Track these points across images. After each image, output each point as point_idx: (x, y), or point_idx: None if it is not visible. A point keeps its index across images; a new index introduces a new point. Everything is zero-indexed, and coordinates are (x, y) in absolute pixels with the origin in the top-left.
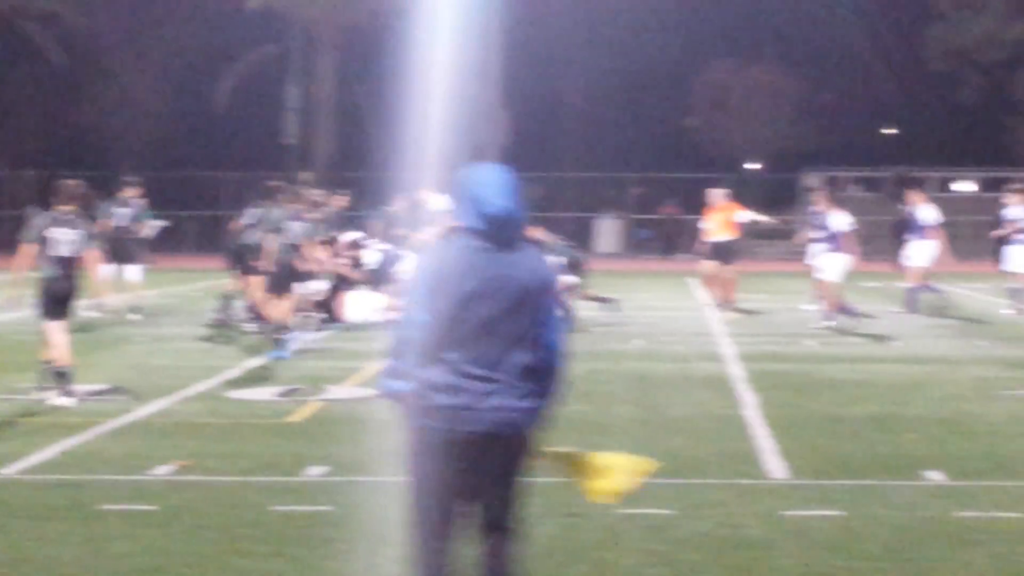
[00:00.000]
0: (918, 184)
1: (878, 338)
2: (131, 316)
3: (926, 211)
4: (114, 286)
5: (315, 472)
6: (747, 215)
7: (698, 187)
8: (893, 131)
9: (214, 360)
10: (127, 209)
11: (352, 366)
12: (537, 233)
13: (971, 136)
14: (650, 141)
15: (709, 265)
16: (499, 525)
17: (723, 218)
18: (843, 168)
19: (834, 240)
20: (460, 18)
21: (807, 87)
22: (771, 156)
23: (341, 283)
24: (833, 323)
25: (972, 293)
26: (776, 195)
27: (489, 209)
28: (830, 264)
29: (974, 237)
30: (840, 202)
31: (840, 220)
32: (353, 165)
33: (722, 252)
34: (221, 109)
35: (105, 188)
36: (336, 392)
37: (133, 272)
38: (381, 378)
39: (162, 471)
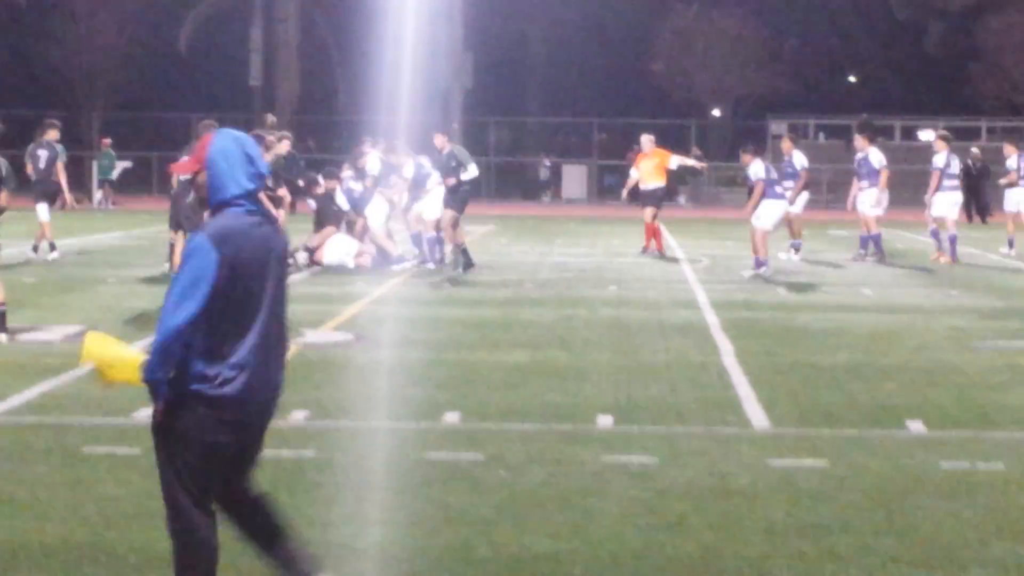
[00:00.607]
0: (869, 129)
1: (851, 286)
2: (51, 256)
3: (876, 155)
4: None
5: (297, 417)
6: (677, 160)
7: (664, 133)
8: (858, 79)
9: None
10: (44, 151)
11: (328, 310)
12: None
13: (936, 84)
14: (615, 86)
15: (649, 211)
16: (253, 487)
17: (653, 164)
18: (808, 115)
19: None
20: None
21: (772, 33)
22: (736, 102)
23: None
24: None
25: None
26: (741, 142)
27: (261, 167)
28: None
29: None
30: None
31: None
32: (318, 108)
33: (652, 198)
34: (185, 50)
35: (72, 127)
36: (313, 336)
37: (42, 211)
38: (155, 364)
39: (143, 414)
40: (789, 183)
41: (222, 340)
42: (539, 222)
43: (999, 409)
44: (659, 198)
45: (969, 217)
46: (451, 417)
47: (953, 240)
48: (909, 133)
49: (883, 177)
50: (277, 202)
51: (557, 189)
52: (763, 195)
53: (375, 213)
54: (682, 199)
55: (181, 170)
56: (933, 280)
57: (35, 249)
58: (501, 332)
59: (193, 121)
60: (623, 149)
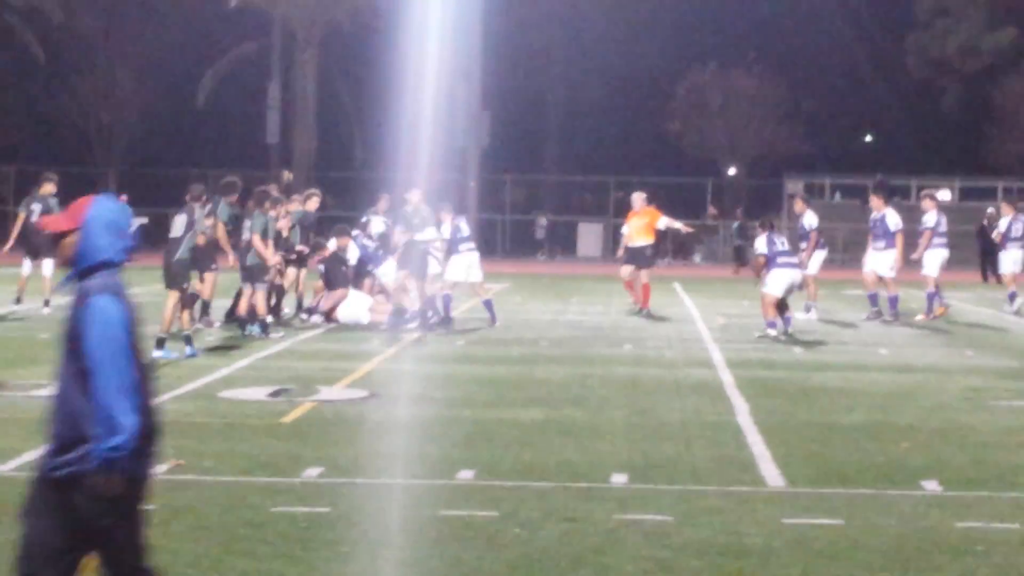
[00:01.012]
0: (884, 190)
1: (866, 346)
2: (44, 310)
3: (892, 217)
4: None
5: (312, 473)
6: (666, 221)
7: (680, 191)
8: (874, 138)
9: (204, 359)
10: (38, 205)
11: (343, 367)
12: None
13: (951, 145)
14: (632, 145)
15: (627, 269)
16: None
17: (643, 223)
18: (824, 175)
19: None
20: (442, 18)
21: (789, 93)
22: (752, 161)
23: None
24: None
25: (956, 303)
26: (757, 200)
27: (130, 240)
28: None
29: (954, 246)
30: (818, 208)
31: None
32: (335, 165)
33: (639, 257)
34: (203, 106)
35: (88, 183)
36: (327, 393)
37: (46, 266)
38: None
39: (158, 470)
40: (803, 244)
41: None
42: (554, 280)
43: (1015, 469)
44: (647, 257)
45: (984, 277)
46: (466, 474)
47: (930, 297)
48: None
49: (899, 240)
50: (302, 259)
51: (555, 248)
52: (768, 266)
53: (388, 271)
54: (698, 257)
55: (51, 227)
56: (948, 340)
57: (17, 300)
58: (516, 390)
59: (210, 177)
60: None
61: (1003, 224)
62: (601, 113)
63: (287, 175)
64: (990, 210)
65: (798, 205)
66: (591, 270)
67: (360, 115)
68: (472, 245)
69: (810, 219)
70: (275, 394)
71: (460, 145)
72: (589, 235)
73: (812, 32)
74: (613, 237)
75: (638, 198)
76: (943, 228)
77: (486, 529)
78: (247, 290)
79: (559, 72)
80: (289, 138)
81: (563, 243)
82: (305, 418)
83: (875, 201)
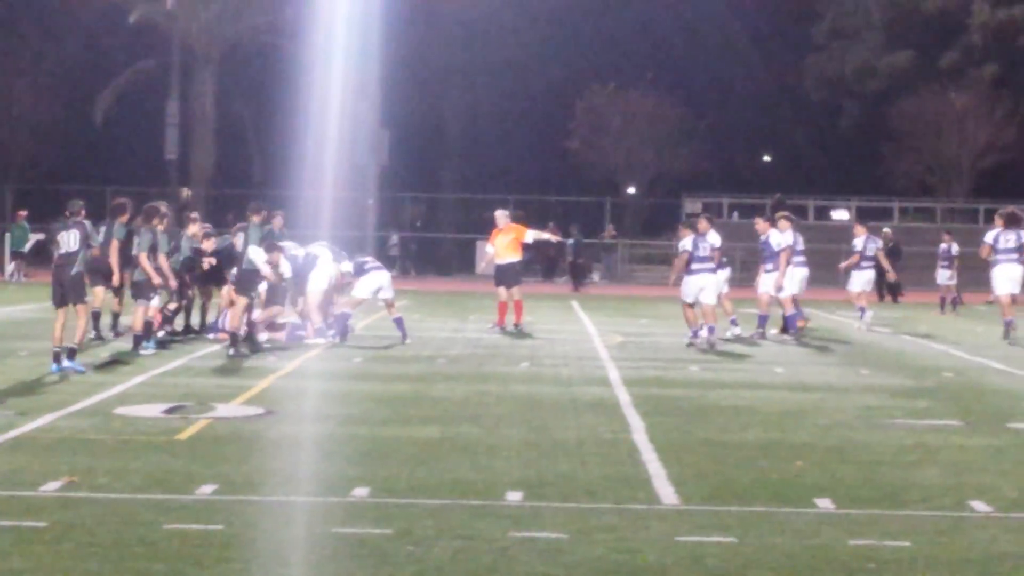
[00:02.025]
0: (775, 211)
1: (763, 364)
2: None
3: (776, 237)
4: None
5: (206, 490)
6: (533, 234)
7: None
8: (773, 158)
9: (99, 376)
10: None
11: (239, 384)
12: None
13: (848, 165)
14: (531, 164)
15: (501, 290)
16: None
17: (508, 240)
18: (723, 194)
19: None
20: (342, 37)
21: (687, 113)
22: (651, 180)
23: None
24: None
25: (852, 321)
26: (655, 220)
27: None
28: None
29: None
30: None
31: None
32: (233, 182)
33: (508, 274)
34: (101, 123)
35: None
36: (223, 410)
37: None
38: None
39: (51, 487)
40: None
41: None
42: (454, 297)
43: (907, 487)
44: (516, 273)
45: (880, 296)
46: (360, 492)
47: (863, 310)
48: (823, 212)
49: (782, 259)
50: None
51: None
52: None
53: (315, 281)
54: (596, 276)
55: None
56: (844, 359)
57: None
58: (413, 407)
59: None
60: (538, 227)
61: (858, 243)
62: (500, 132)
63: (186, 192)
64: (886, 230)
65: (702, 224)
66: (490, 288)
67: (259, 133)
68: (380, 264)
69: (713, 238)
70: (170, 411)
71: (360, 164)
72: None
73: (711, 52)
74: None
75: (501, 216)
76: (870, 252)
77: (380, 547)
78: (139, 307)
79: (458, 91)
80: (188, 155)
81: (462, 261)
82: (200, 435)
83: (760, 224)
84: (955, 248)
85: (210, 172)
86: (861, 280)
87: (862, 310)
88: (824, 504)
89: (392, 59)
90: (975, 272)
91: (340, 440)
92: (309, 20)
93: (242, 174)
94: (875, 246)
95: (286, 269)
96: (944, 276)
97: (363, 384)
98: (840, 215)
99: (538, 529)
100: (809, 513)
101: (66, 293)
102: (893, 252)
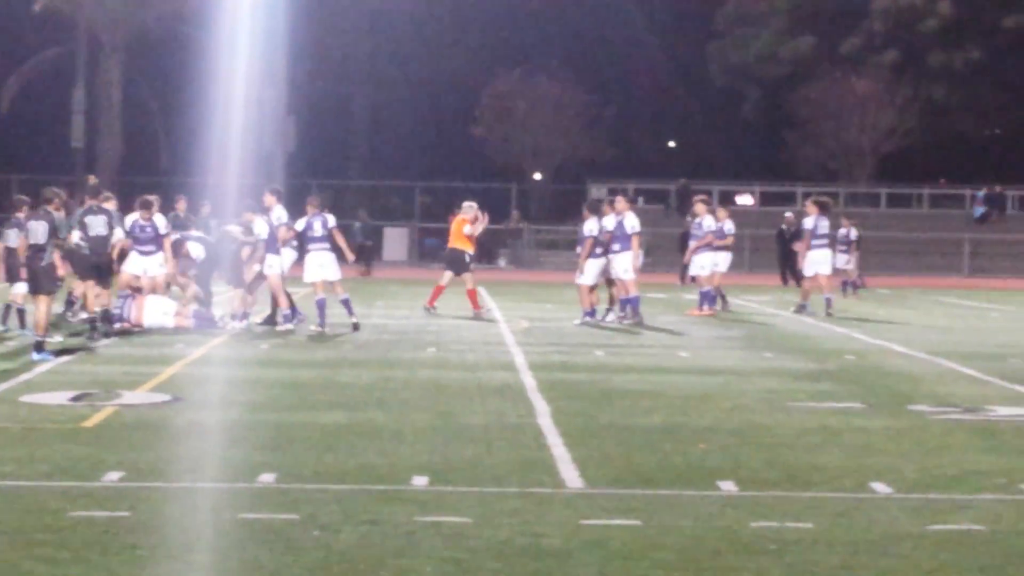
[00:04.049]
0: (686, 195)
1: (667, 348)
2: None
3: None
4: None
5: (112, 477)
6: (471, 227)
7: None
8: (678, 144)
9: (4, 363)
10: None
11: (146, 371)
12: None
13: (752, 150)
14: (437, 150)
15: (447, 275)
16: None
17: (457, 228)
18: (628, 179)
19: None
20: (248, 25)
21: (593, 99)
22: (557, 166)
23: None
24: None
25: (755, 305)
26: (562, 205)
27: None
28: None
29: (754, 249)
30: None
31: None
32: (140, 169)
33: (456, 262)
34: (6, 111)
35: None
36: (130, 397)
37: None
38: None
39: None
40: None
41: None
42: (361, 284)
43: (809, 469)
44: (464, 263)
45: (784, 280)
46: (267, 478)
47: (705, 295)
48: (727, 197)
49: (634, 242)
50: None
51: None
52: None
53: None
54: (502, 262)
55: None
56: (748, 342)
57: None
58: (319, 393)
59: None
60: (445, 212)
61: (809, 222)
62: (407, 118)
63: (92, 179)
64: (788, 214)
65: (620, 203)
66: (397, 274)
67: (166, 120)
68: (327, 245)
69: (631, 221)
70: (77, 399)
71: (266, 151)
72: (395, 239)
73: (616, 39)
74: (420, 241)
75: (467, 205)
76: (822, 231)
77: (286, 532)
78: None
79: (364, 78)
80: (94, 143)
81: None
82: (107, 422)
83: (620, 203)
84: (854, 233)
85: (117, 160)
86: (816, 261)
87: (828, 300)
88: (727, 487)
89: (298, 46)
90: (878, 256)
91: (247, 426)
92: (215, 8)
93: (149, 162)
94: (826, 224)
95: (197, 252)
96: (842, 260)
97: (270, 370)
98: (744, 200)
99: (444, 513)
100: (712, 496)
101: (39, 283)
102: (796, 236)
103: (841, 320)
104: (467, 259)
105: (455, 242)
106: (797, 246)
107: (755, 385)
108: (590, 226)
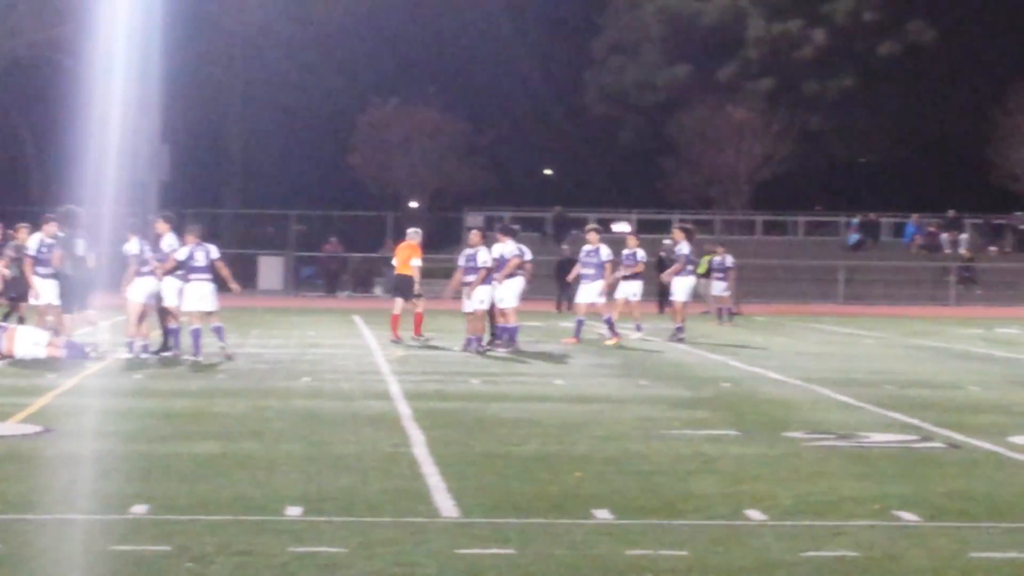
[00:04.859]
0: (563, 224)
1: (543, 376)
2: None
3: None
4: None
5: None
6: (418, 263)
7: (361, 224)
8: (554, 172)
9: None
10: None
11: (16, 402)
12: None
13: (629, 178)
14: (313, 179)
15: (398, 302)
16: None
17: (405, 257)
18: (505, 207)
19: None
20: (121, 54)
21: (469, 127)
22: (433, 194)
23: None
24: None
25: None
26: (438, 234)
27: None
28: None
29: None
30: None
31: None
32: (11, 198)
33: (403, 287)
34: None
35: None
36: (0, 429)
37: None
38: None
39: None
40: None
41: None
42: (235, 313)
43: (684, 497)
44: (411, 289)
45: (660, 308)
46: (139, 509)
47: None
48: (604, 225)
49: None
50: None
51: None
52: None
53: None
54: (378, 290)
55: None
56: (623, 370)
57: None
58: (193, 423)
59: None
60: (320, 241)
61: (683, 248)
62: (282, 147)
63: None
64: (666, 241)
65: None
66: (272, 303)
67: (39, 148)
68: (209, 275)
69: (510, 248)
70: None
71: (140, 179)
72: (270, 268)
73: (492, 66)
74: (294, 270)
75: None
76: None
77: (158, 564)
78: None
79: (239, 105)
80: None
81: (243, 277)
82: None
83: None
84: (729, 260)
85: None
86: (685, 287)
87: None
88: (602, 515)
89: (172, 74)
90: (754, 283)
91: (119, 457)
92: (89, 36)
93: (20, 189)
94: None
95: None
96: (719, 288)
97: (143, 400)
98: (621, 227)
99: (318, 544)
100: (587, 524)
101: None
102: (669, 263)
103: (717, 347)
104: (414, 284)
105: (402, 268)
106: (666, 274)
107: (631, 413)
108: (502, 249)
